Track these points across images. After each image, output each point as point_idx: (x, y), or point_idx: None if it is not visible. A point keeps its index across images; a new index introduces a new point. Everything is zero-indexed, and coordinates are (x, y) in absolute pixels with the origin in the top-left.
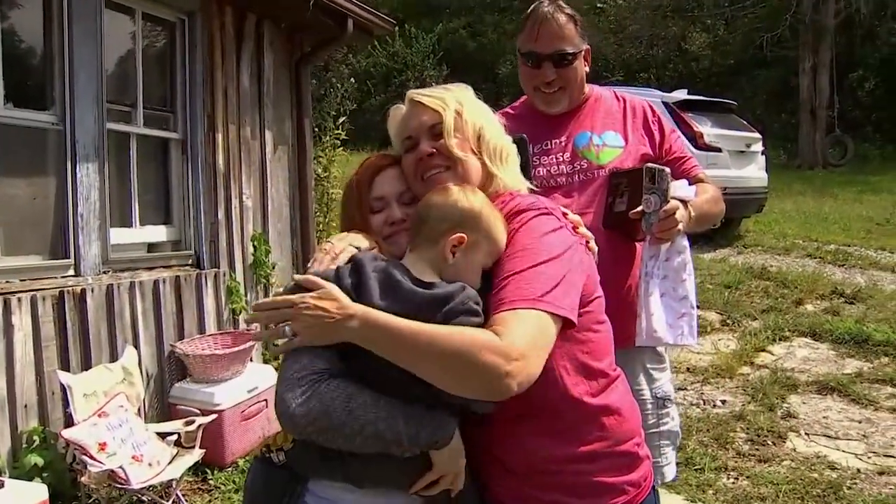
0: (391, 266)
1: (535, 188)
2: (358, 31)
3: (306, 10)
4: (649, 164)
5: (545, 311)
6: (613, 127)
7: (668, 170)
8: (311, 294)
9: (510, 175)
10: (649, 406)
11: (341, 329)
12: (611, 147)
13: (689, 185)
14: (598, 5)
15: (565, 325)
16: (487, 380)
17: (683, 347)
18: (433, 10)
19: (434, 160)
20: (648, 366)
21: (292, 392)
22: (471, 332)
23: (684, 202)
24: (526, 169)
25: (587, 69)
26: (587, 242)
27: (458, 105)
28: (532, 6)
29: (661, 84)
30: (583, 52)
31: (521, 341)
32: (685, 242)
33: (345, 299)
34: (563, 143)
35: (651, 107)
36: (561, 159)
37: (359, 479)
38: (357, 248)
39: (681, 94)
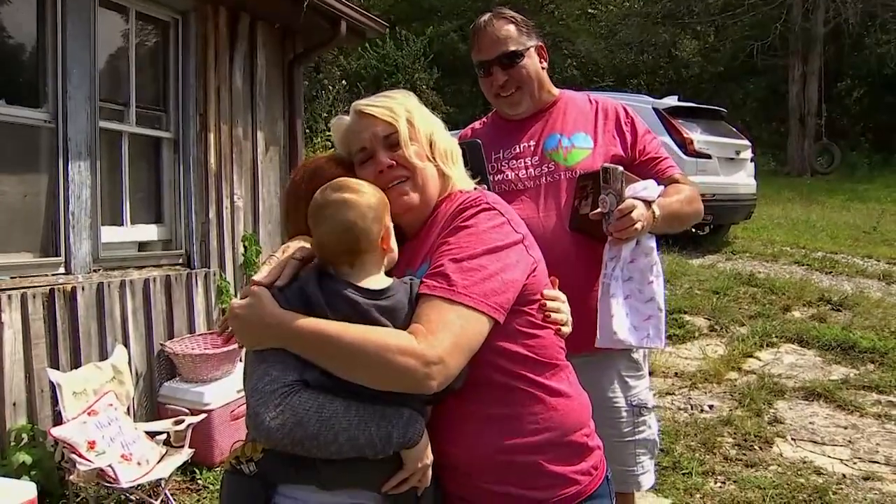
0: (338, 286)
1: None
2: (350, 34)
3: (300, 11)
4: (604, 164)
5: (474, 308)
6: (584, 128)
7: (620, 168)
8: (238, 302)
9: (458, 174)
10: (624, 414)
11: (262, 335)
12: (579, 148)
13: (659, 184)
14: (590, 11)
15: (497, 323)
16: (406, 381)
17: (653, 350)
18: (424, 13)
19: (394, 171)
20: (624, 373)
21: (265, 406)
22: (389, 336)
23: (648, 202)
24: (482, 173)
25: (544, 65)
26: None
27: (407, 114)
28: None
29: (651, 90)
30: (531, 49)
31: (440, 344)
32: (652, 244)
33: (270, 307)
34: (532, 147)
35: (625, 109)
36: (529, 163)
37: (332, 484)
38: (300, 259)
39: (671, 101)
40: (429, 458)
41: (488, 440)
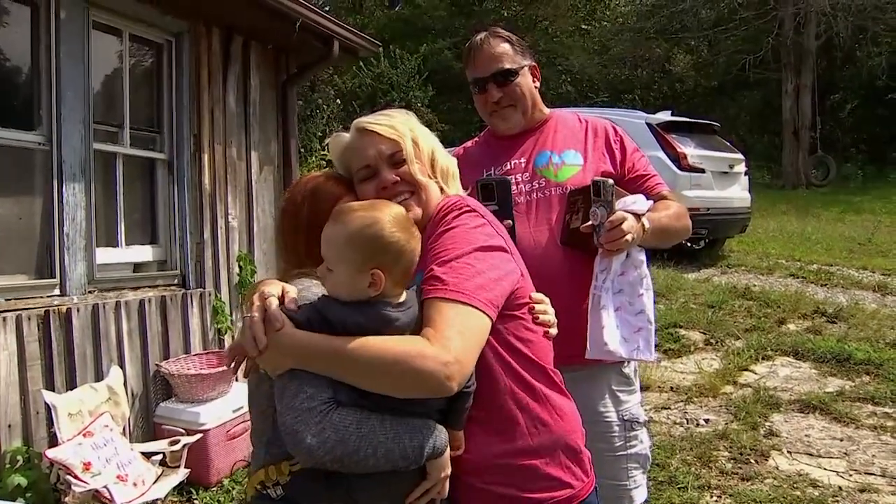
0: (365, 304)
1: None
2: (344, 53)
3: (293, 32)
4: (595, 178)
5: (468, 304)
6: (574, 146)
7: (611, 181)
8: (247, 319)
9: (455, 191)
10: (615, 428)
11: (274, 357)
12: (570, 165)
13: (648, 199)
14: (583, 27)
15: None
16: (428, 385)
17: (645, 364)
18: (418, 32)
19: (398, 188)
20: (615, 388)
21: (305, 424)
22: (405, 343)
23: (637, 215)
24: (508, 209)
25: (537, 84)
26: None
27: (411, 132)
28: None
29: (645, 105)
30: (525, 68)
31: (451, 343)
32: (641, 257)
33: (287, 329)
34: (523, 164)
35: (614, 127)
36: (520, 179)
37: (362, 500)
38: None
39: (664, 116)
40: (449, 467)
41: (489, 443)
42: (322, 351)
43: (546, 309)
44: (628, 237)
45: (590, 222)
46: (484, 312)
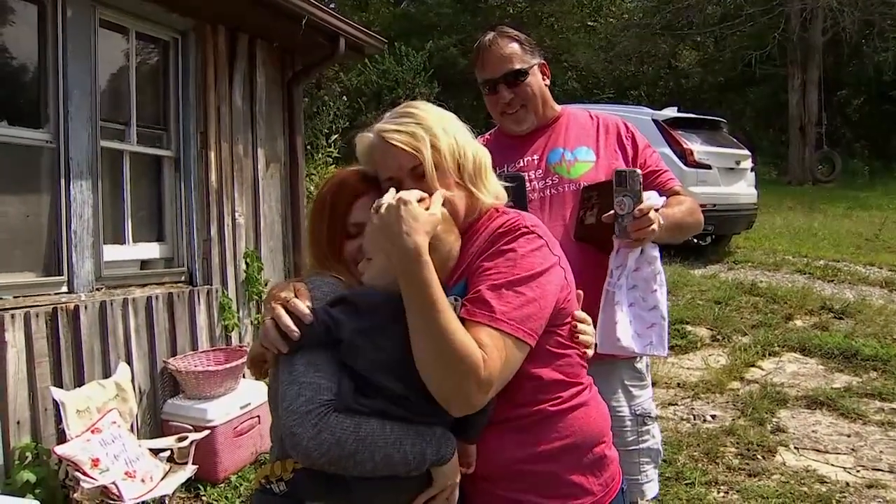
0: (386, 297)
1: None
2: (350, 50)
3: (299, 29)
4: (618, 169)
5: (512, 336)
6: (586, 143)
7: (638, 171)
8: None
9: (490, 188)
10: (628, 423)
11: (402, 247)
12: (582, 161)
13: (661, 196)
14: (589, 24)
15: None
16: (455, 394)
17: (655, 359)
18: (423, 29)
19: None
20: (627, 382)
21: (303, 426)
22: (475, 347)
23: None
24: (523, 208)
25: (547, 82)
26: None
27: (432, 138)
28: (477, 40)
29: (651, 101)
30: (535, 67)
31: (494, 372)
32: (655, 253)
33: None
34: (535, 161)
35: (625, 124)
36: (533, 176)
37: (363, 502)
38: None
39: (670, 112)
40: (458, 476)
41: (509, 449)
42: (428, 285)
43: (586, 329)
44: (654, 226)
45: (611, 212)
46: (526, 343)
